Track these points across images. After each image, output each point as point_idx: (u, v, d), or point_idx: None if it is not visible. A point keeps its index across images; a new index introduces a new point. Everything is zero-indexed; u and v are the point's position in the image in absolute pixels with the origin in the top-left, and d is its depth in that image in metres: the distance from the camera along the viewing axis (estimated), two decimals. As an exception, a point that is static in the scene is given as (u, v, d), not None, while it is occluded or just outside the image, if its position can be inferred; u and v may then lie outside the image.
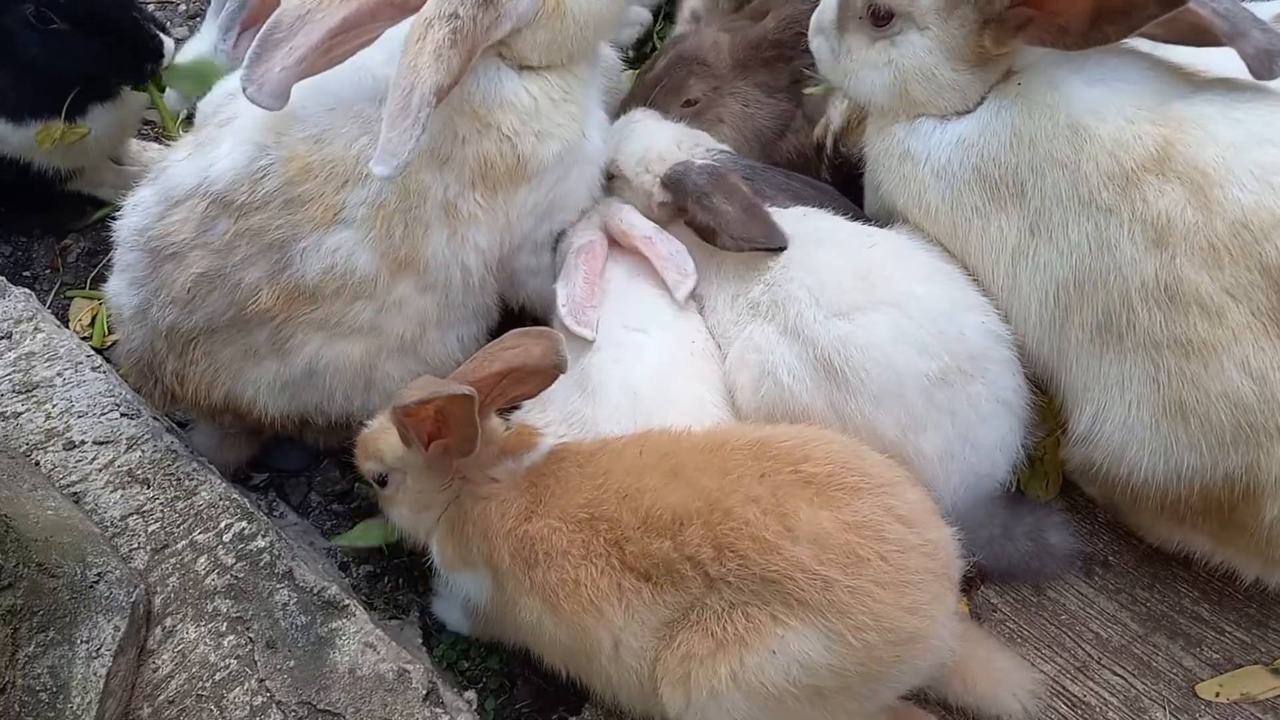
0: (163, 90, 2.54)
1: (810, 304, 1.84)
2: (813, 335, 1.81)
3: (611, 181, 2.21)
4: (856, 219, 2.03)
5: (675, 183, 2.04)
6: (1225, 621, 1.90)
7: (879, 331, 1.77)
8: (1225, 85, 1.67)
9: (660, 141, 2.17)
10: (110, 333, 2.53)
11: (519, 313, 2.27)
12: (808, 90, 2.28)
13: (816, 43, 2.03)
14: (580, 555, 1.61)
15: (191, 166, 1.90)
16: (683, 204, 2.04)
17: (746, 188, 1.98)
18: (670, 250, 2.07)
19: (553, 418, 1.95)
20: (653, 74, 2.44)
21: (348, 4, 1.69)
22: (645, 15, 3.07)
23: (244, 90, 1.66)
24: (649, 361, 1.95)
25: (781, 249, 1.91)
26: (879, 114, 1.98)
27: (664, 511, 1.55)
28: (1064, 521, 1.94)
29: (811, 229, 1.98)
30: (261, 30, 1.67)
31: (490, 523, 1.73)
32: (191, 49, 2.66)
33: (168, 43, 2.45)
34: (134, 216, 1.95)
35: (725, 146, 2.21)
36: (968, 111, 1.84)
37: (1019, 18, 1.70)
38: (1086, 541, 2.02)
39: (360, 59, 1.80)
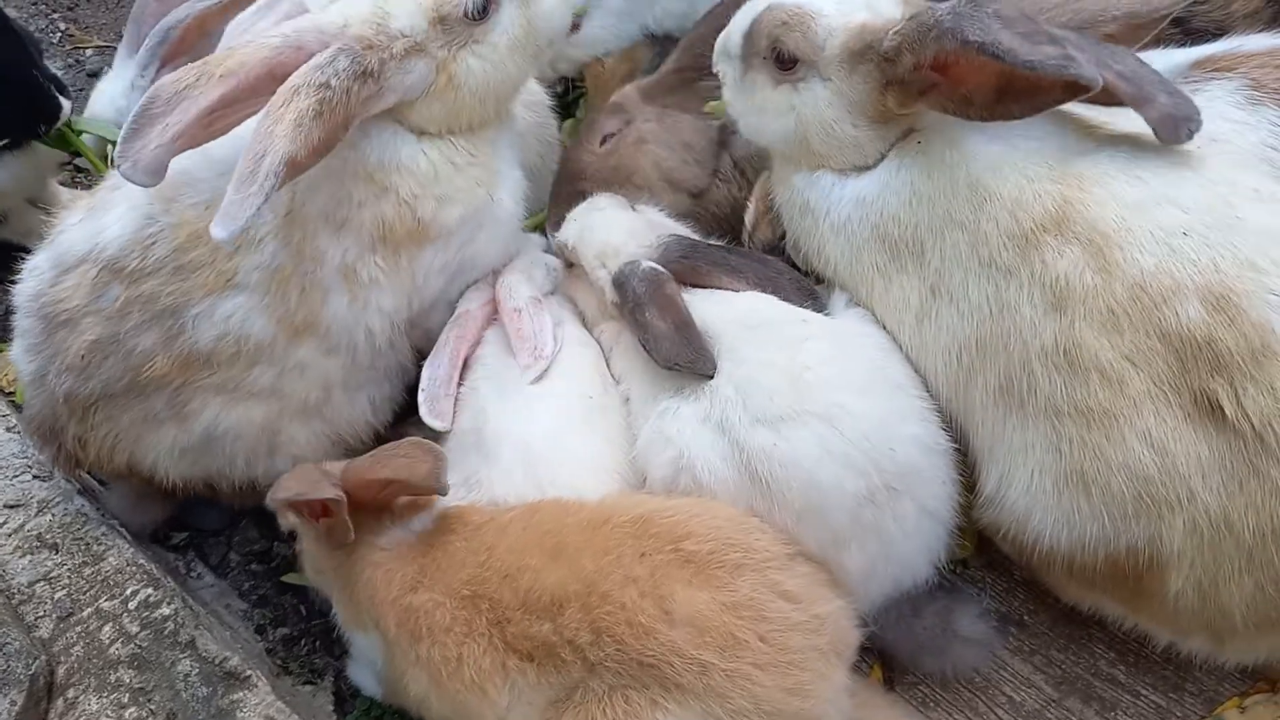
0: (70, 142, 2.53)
1: (736, 404, 1.75)
2: (739, 439, 1.73)
3: (570, 269, 2.19)
4: (803, 293, 1.94)
5: (619, 287, 1.96)
6: (1141, 685, 1.90)
7: (805, 448, 1.69)
8: (1130, 142, 1.65)
9: (616, 235, 2.08)
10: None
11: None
12: (708, 107, 2.23)
13: (721, 66, 2.01)
14: (463, 633, 1.62)
15: (83, 232, 1.91)
16: (621, 311, 1.98)
17: (681, 303, 1.86)
18: (533, 329, 2.04)
19: (454, 480, 1.93)
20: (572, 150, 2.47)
21: (225, 81, 1.68)
22: (597, 40, 2.94)
23: (118, 167, 1.65)
24: (543, 418, 1.94)
25: (708, 376, 1.79)
26: (779, 159, 1.98)
27: (543, 593, 1.57)
28: (979, 611, 1.90)
29: (746, 310, 1.89)
30: (134, 111, 1.66)
31: (377, 590, 1.74)
32: (105, 89, 2.66)
33: (65, 104, 2.46)
34: (30, 282, 1.95)
35: (679, 229, 2.13)
36: (867, 168, 1.84)
37: (923, 82, 1.69)
38: (1002, 600, 2.03)
39: (250, 125, 1.77)
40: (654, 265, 1.94)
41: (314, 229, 1.86)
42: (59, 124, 2.47)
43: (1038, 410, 1.64)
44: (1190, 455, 1.51)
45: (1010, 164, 1.68)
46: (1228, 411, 1.47)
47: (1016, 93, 1.58)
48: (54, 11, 3.59)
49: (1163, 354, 1.52)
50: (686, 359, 1.79)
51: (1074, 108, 1.70)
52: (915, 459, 1.74)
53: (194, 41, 2.46)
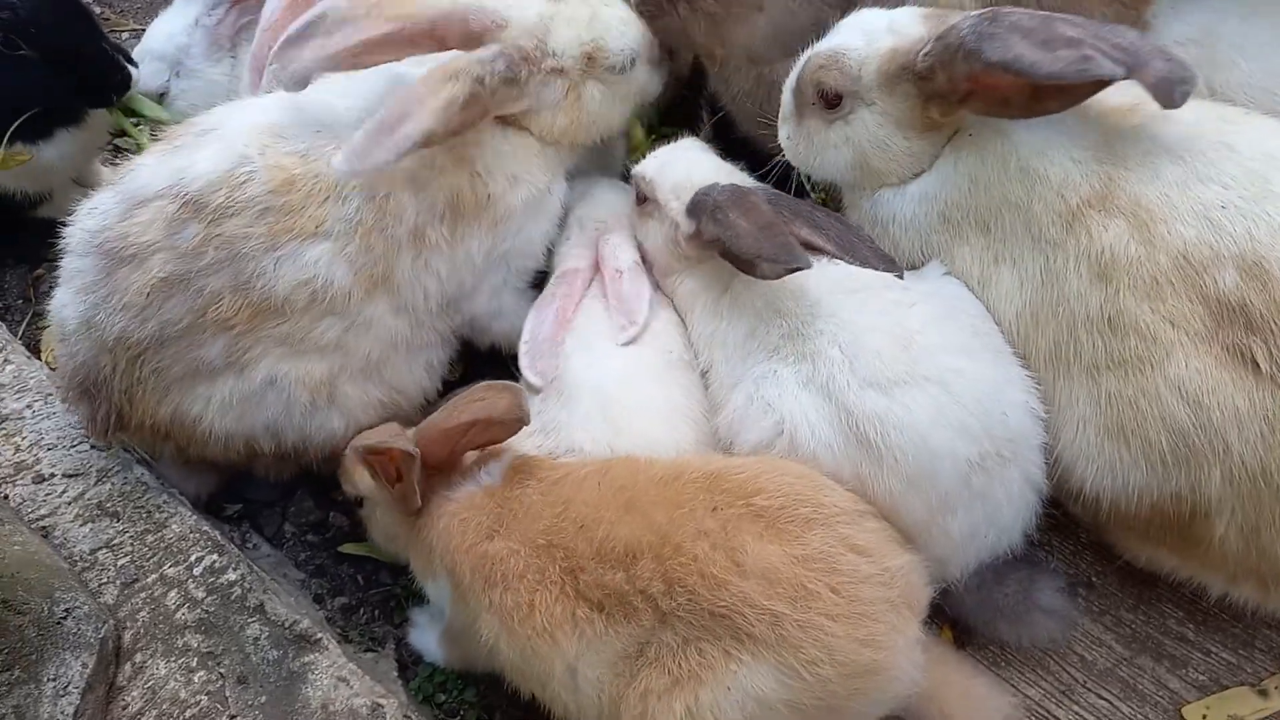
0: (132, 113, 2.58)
1: (844, 367, 1.76)
2: (847, 403, 1.74)
3: (643, 205, 2.21)
4: (880, 258, 1.93)
5: (695, 204, 2.00)
6: (1211, 642, 1.92)
7: (920, 412, 1.71)
8: (1167, 121, 1.74)
9: (699, 173, 2.12)
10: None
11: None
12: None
13: (783, 134, 2.13)
14: (536, 580, 1.67)
15: (163, 169, 1.94)
16: (700, 224, 1.98)
17: (768, 208, 1.89)
18: (632, 292, 2.11)
19: (534, 427, 1.98)
20: None
21: (391, 24, 1.86)
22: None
23: (269, 64, 1.80)
24: (622, 368, 1.99)
25: (798, 268, 1.77)
26: (848, 189, 2.11)
27: (617, 544, 1.61)
28: (1060, 584, 1.93)
29: (844, 274, 1.90)
30: (303, 18, 1.82)
31: (453, 538, 1.79)
32: (163, 26, 2.69)
33: (134, 73, 2.49)
34: (89, 220, 1.97)
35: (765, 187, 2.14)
36: (924, 172, 1.96)
37: (961, 92, 1.81)
38: (1070, 563, 2.06)
39: (344, 95, 2.01)
40: (736, 184, 2.00)
41: (399, 186, 1.96)
42: (131, 91, 2.52)
43: (1081, 370, 1.75)
44: (1226, 408, 1.59)
45: (1056, 147, 1.80)
46: (1263, 367, 1.56)
47: (1049, 93, 1.71)
48: (94, -6, 3.62)
49: (1201, 315, 1.62)
50: (773, 252, 1.79)
51: (1111, 91, 1.77)
52: (1025, 426, 1.77)
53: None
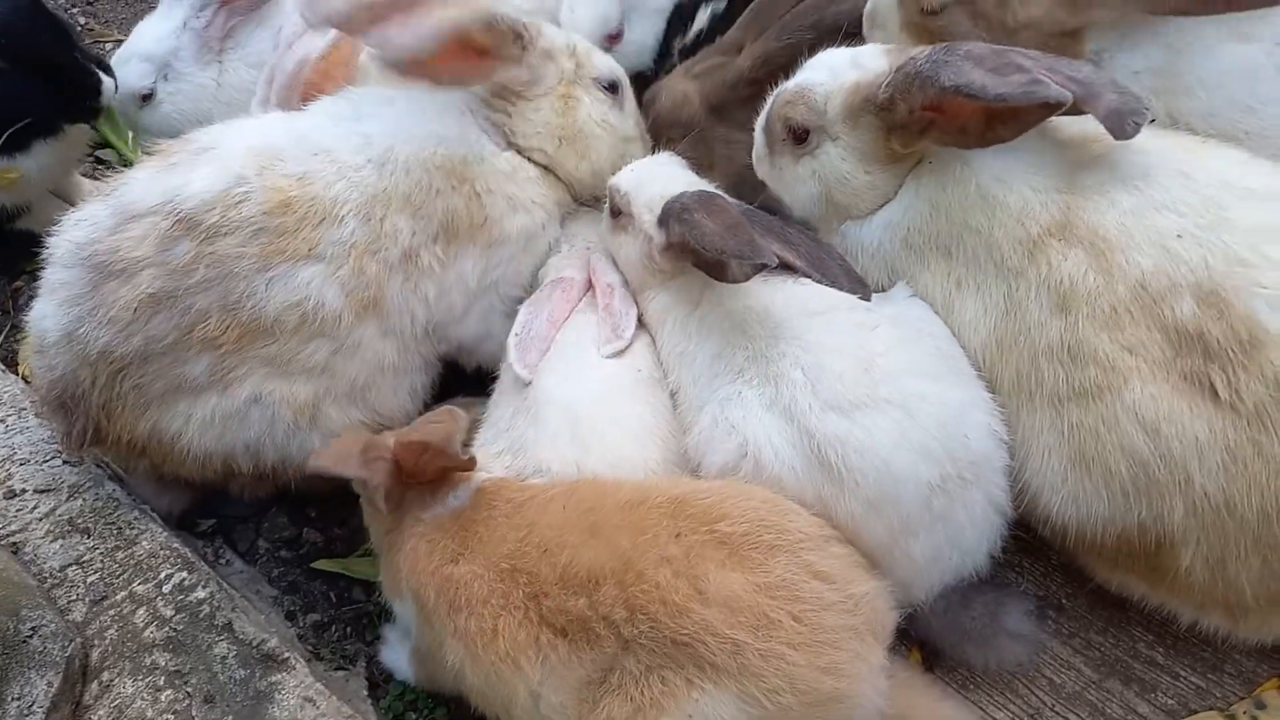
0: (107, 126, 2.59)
1: (806, 389, 1.77)
2: (809, 425, 1.75)
3: (617, 219, 2.19)
4: (851, 278, 1.90)
5: (664, 211, 1.99)
6: (1180, 666, 1.92)
7: (881, 435, 1.71)
8: (1125, 151, 1.76)
9: (674, 187, 2.10)
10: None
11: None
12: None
13: (758, 170, 2.21)
14: (500, 605, 1.67)
15: (158, 184, 1.95)
16: (668, 229, 1.97)
17: (735, 210, 1.90)
18: (623, 308, 2.13)
19: (501, 446, 1.99)
20: None
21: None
22: (644, 46, 2.90)
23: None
24: (591, 386, 1.99)
25: (763, 265, 1.78)
26: (818, 222, 2.14)
27: (580, 569, 1.61)
28: (1027, 607, 1.93)
29: (809, 295, 1.91)
30: None
31: (419, 560, 1.80)
32: (150, 28, 2.70)
33: (107, 81, 2.49)
34: (78, 231, 1.97)
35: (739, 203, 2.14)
36: (886, 204, 1.99)
37: (921, 123, 1.84)
38: (1040, 584, 2.06)
39: (341, 119, 2.09)
40: (706, 189, 2.04)
41: (395, 208, 2.00)
42: (106, 101, 2.53)
43: (1045, 399, 1.76)
44: (1187, 438, 1.60)
45: (1016, 175, 1.83)
46: (1222, 395, 1.57)
47: (1002, 119, 1.74)
48: (73, 6, 3.64)
49: (1160, 343, 1.63)
50: (735, 249, 1.79)
51: (1071, 123, 1.84)
52: (987, 448, 1.78)
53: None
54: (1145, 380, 1.63)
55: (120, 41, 3.52)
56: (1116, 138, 1.64)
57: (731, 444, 1.81)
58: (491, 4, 2.03)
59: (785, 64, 2.19)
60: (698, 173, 2.27)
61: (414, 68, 1.97)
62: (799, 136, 2.01)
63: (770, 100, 2.09)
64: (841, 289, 1.83)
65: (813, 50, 2.15)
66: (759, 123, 2.14)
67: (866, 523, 1.72)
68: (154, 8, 3.04)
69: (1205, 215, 1.64)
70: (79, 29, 3.55)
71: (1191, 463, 1.59)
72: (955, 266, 1.88)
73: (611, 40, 2.72)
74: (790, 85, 2.04)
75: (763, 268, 1.80)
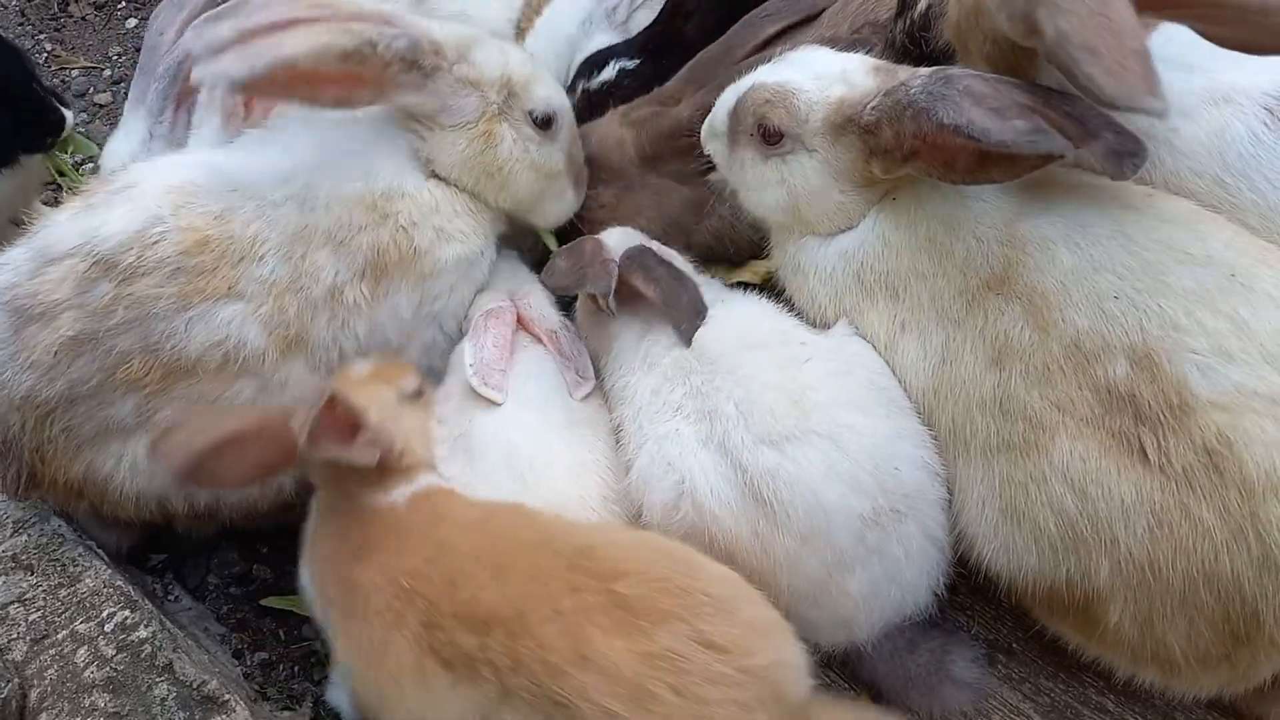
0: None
1: (738, 423, 1.77)
2: (741, 460, 1.75)
3: None
4: (696, 311, 1.99)
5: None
6: (1130, 713, 1.93)
7: (810, 468, 1.71)
8: (1075, 200, 1.75)
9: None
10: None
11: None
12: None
13: (712, 146, 2.13)
14: (392, 622, 1.65)
15: (76, 226, 1.93)
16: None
17: (590, 249, 2.05)
18: (576, 349, 2.14)
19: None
20: None
21: (314, 9, 1.85)
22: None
23: (189, 40, 1.83)
24: (529, 423, 1.98)
25: (595, 294, 1.96)
26: (775, 227, 2.10)
27: (479, 610, 1.59)
28: (974, 655, 1.93)
29: (745, 326, 1.95)
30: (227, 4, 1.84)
31: (328, 552, 1.80)
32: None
33: (68, 115, 2.48)
34: (1, 274, 1.95)
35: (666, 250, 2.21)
36: (851, 228, 1.96)
37: (906, 150, 1.78)
38: (990, 628, 2.05)
39: (262, 153, 2.04)
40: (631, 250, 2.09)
41: (316, 245, 1.97)
42: (65, 133, 2.52)
43: (978, 450, 1.76)
44: (1112, 499, 1.59)
45: (963, 223, 1.80)
46: (1151, 457, 1.57)
47: (996, 162, 1.68)
48: (40, 32, 3.63)
49: (1090, 401, 1.63)
50: (562, 283, 2.05)
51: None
52: (920, 480, 1.77)
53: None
54: (1073, 437, 1.62)
55: (86, 68, 3.54)
56: (1113, 179, 1.61)
57: (669, 481, 1.81)
58: (376, 29, 1.91)
59: None
60: (624, 223, 2.32)
61: (275, 89, 1.92)
62: (771, 138, 1.94)
63: (742, 87, 2.01)
64: (677, 321, 1.94)
65: None
66: (722, 104, 2.06)
67: (801, 558, 1.71)
68: (123, 31, 3.04)
69: (1143, 279, 1.63)
70: (45, 55, 3.55)
71: (1117, 524, 1.59)
72: (901, 309, 1.87)
73: None
74: (770, 81, 1.94)
75: (600, 293, 1.96)
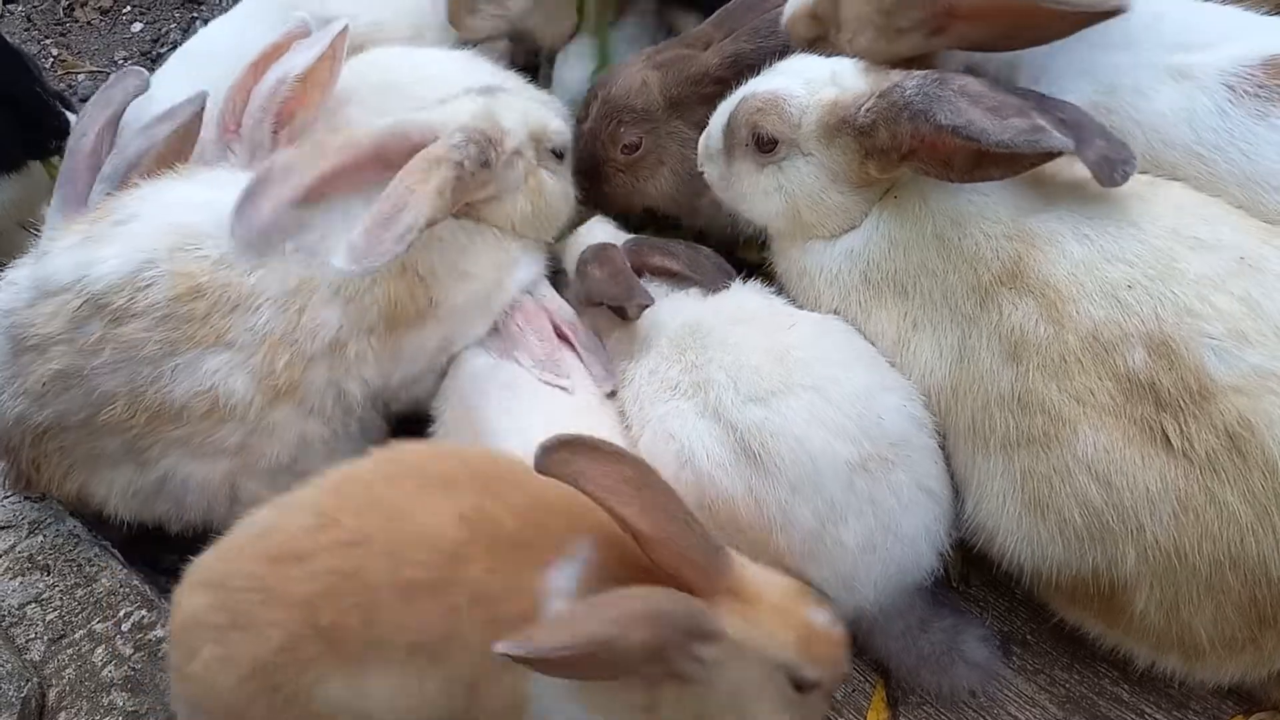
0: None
1: (728, 387, 1.85)
2: (731, 419, 1.82)
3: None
4: (721, 272, 2.17)
5: (578, 265, 2.17)
6: (1145, 703, 1.93)
7: (794, 416, 1.77)
8: (1079, 195, 1.76)
9: (595, 238, 2.25)
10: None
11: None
12: None
13: (707, 169, 2.15)
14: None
15: (72, 260, 1.90)
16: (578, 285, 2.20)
17: (619, 259, 2.09)
18: (595, 343, 2.18)
19: None
20: (587, 125, 2.45)
21: (338, 155, 1.88)
22: None
23: (232, 230, 1.84)
24: (540, 415, 1.99)
25: (642, 305, 2.01)
26: (777, 235, 2.11)
27: None
28: (984, 635, 1.94)
29: (735, 306, 2.04)
30: (252, 179, 1.85)
31: None
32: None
33: (72, 119, 2.50)
34: (3, 295, 1.95)
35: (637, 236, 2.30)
36: (855, 228, 1.98)
37: (903, 150, 1.80)
38: (1005, 620, 2.06)
39: None
40: (606, 241, 2.18)
41: (320, 299, 1.93)
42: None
43: (998, 446, 1.77)
44: (1137, 488, 1.60)
45: (970, 218, 1.81)
46: (1174, 443, 1.58)
47: (995, 161, 1.70)
48: (46, 37, 3.65)
49: (1110, 390, 1.64)
50: (611, 294, 2.02)
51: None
52: (904, 429, 1.81)
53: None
54: (1096, 429, 1.63)
55: (92, 73, 3.55)
56: (1103, 185, 1.63)
57: (670, 452, 1.86)
58: (450, 147, 1.91)
59: (754, 66, 2.14)
60: (649, 172, 2.40)
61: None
62: (765, 146, 1.97)
63: (734, 102, 2.03)
64: (710, 285, 2.09)
65: (783, 57, 2.11)
66: (716, 122, 2.09)
67: (794, 509, 1.75)
68: (128, 36, 3.06)
69: (1155, 266, 1.64)
70: (51, 60, 3.56)
71: (1143, 512, 1.60)
72: (911, 307, 1.88)
73: None
74: (761, 90, 1.97)
75: (647, 305, 2.00)
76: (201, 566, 1.62)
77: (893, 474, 1.79)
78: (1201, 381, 1.57)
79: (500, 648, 1.30)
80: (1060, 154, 1.63)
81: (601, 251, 2.12)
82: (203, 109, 2.25)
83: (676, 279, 2.18)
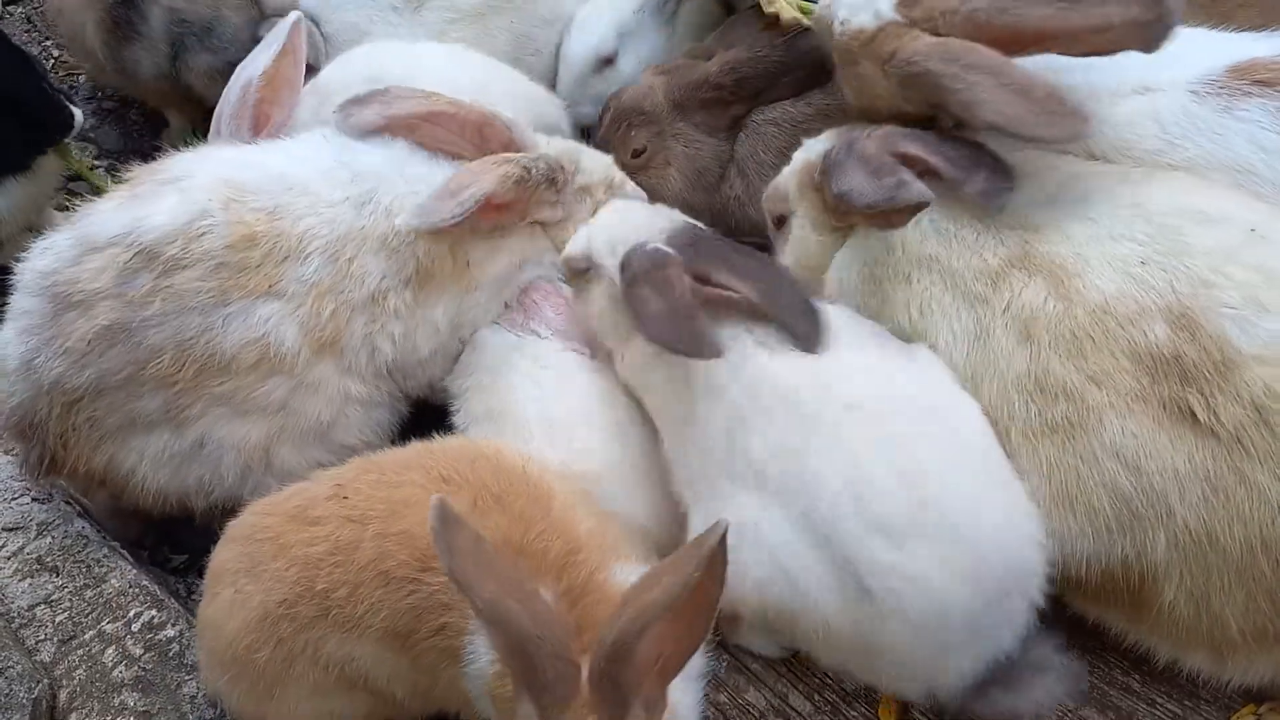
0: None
1: (849, 503, 1.62)
2: (849, 551, 1.62)
3: (584, 275, 2.10)
4: (800, 311, 1.79)
5: (623, 267, 1.87)
6: (1156, 694, 1.93)
7: (926, 565, 1.60)
8: (1076, 187, 1.82)
9: (628, 226, 2.01)
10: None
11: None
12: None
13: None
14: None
15: (121, 215, 1.94)
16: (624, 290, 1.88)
17: (681, 285, 1.77)
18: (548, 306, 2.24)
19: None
20: (601, 133, 2.61)
21: (447, 107, 2.12)
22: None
23: (336, 116, 2.12)
24: (560, 388, 2.06)
25: (703, 357, 1.72)
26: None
27: None
28: (1055, 644, 1.82)
29: (841, 378, 1.74)
30: (370, 90, 2.14)
31: None
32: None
33: (77, 114, 2.50)
34: (42, 260, 1.96)
35: (690, 220, 2.06)
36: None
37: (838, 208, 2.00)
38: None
39: (318, 157, 2.08)
40: (660, 246, 1.85)
41: (370, 249, 2.01)
42: (74, 132, 2.55)
43: (1020, 435, 1.76)
44: (1166, 470, 1.61)
45: (963, 209, 1.88)
46: (1201, 418, 1.58)
47: (884, 215, 1.87)
48: (47, 39, 3.64)
49: (1131, 371, 1.64)
50: (670, 339, 1.74)
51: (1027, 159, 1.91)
52: (1030, 558, 1.69)
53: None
54: (1122, 415, 1.63)
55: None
56: (985, 213, 1.79)
57: (763, 562, 1.68)
58: (523, 155, 2.12)
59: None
60: (657, 172, 2.52)
61: (469, 221, 2.02)
62: (780, 223, 2.20)
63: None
64: (792, 331, 1.77)
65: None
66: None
67: (912, 645, 1.65)
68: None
69: (1163, 242, 1.66)
70: (52, 61, 3.56)
71: (1172, 495, 1.60)
72: (917, 293, 1.91)
73: (605, 63, 2.84)
74: (770, 183, 2.22)
75: (714, 357, 1.72)
76: (239, 523, 1.78)
77: (1011, 602, 1.68)
78: (1225, 352, 1.57)
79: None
80: (928, 203, 1.78)
81: (658, 270, 1.80)
82: (299, 22, 2.37)
83: (742, 311, 1.82)
